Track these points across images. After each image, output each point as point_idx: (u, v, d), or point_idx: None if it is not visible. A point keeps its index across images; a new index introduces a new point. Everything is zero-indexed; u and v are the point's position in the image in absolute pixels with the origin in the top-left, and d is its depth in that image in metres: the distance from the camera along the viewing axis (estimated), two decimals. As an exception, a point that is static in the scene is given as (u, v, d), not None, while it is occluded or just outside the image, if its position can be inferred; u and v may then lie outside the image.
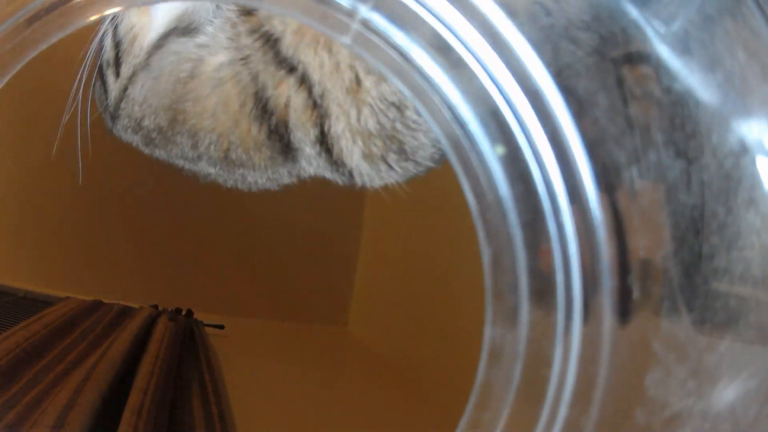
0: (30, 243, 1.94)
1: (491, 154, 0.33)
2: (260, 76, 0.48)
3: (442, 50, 0.32)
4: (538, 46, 0.31)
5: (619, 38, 0.32)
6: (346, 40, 0.34)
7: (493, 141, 0.33)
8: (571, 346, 0.32)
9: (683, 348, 0.32)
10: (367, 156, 0.49)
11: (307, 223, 2.22)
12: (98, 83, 0.54)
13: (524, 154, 0.32)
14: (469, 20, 0.32)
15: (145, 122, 0.51)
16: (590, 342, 0.32)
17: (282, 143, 0.50)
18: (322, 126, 0.49)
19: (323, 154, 0.50)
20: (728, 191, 0.33)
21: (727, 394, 0.32)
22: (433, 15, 0.32)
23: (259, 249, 2.18)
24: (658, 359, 0.32)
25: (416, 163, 0.50)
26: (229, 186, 0.55)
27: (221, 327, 1.84)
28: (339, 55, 0.47)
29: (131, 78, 0.50)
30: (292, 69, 0.48)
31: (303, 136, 0.50)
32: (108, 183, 1.99)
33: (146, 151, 0.54)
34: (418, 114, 0.47)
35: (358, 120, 0.47)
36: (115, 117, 0.52)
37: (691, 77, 0.32)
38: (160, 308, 1.82)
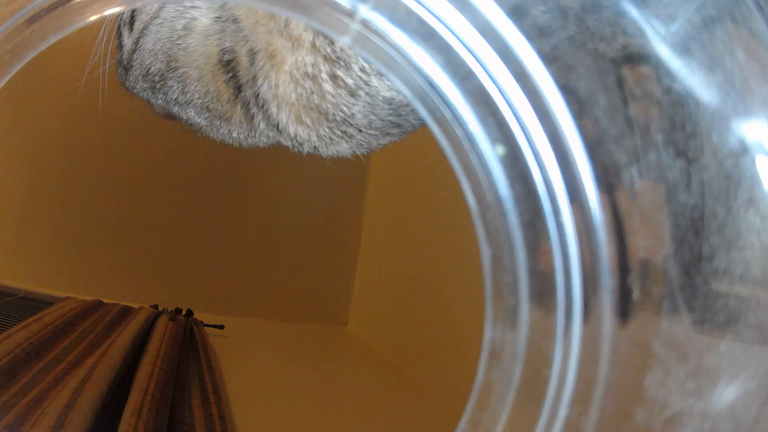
0: (30, 243, 1.94)
1: (491, 154, 0.33)
2: (231, 36, 0.52)
3: (441, 50, 0.32)
4: (537, 46, 0.31)
5: (618, 37, 0.32)
6: (346, 40, 0.34)
7: (493, 141, 0.33)
8: (571, 346, 0.32)
9: (683, 348, 0.32)
10: (300, 122, 0.51)
11: (307, 223, 2.22)
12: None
13: (524, 154, 0.32)
14: (469, 20, 0.32)
15: (153, 69, 0.55)
16: (590, 342, 0.32)
17: (243, 101, 0.54)
18: (256, 87, 0.52)
19: (263, 115, 0.53)
20: (728, 191, 0.33)
21: (727, 394, 0.32)
22: (433, 15, 0.32)
23: (259, 249, 2.18)
24: (658, 359, 0.32)
25: (360, 131, 0.52)
26: (217, 141, 0.58)
27: (221, 327, 1.84)
28: (273, 21, 0.49)
29: (143, 30, 0.54)
30: (242, 31, 0.51)
31: (250, 95, 0.53)
32: (108, 184, 1.99)
33: (152, 98, 0.58)
34: (335, 87, 0.49)
35: (277, 86, 0.50)
36: (128, 68, 0.57)
37: (691, 77, 0.32)
38: (160, 308, 1.82)
